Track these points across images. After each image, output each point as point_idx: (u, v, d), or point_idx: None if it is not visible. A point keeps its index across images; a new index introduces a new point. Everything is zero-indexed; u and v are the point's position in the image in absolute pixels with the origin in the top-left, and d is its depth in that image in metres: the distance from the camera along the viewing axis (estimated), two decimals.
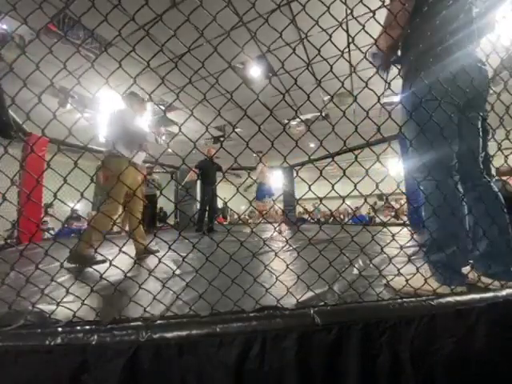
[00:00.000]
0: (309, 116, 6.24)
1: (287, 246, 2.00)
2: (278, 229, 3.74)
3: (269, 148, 0.80)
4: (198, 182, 4.30)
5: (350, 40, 1.07)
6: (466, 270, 1.04)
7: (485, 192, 0.97)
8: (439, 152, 0.92)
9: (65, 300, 0.74)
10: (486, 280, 0.96)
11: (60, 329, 0.63)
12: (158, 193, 4.56)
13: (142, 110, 2.16)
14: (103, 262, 1.65)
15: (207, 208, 3.97)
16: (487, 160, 1.08)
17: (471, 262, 1.06)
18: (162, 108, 5.25)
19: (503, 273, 0.94)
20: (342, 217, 10.46)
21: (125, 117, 1.89)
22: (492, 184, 0.98)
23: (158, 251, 2.06)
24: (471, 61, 0.92)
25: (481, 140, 0.99)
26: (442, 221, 0.92)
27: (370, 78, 0.86)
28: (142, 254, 1.97)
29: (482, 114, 0.99)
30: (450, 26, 0.89)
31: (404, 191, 3.32)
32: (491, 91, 1.01)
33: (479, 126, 0.97)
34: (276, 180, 4.77)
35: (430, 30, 0.90)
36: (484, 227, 0.96)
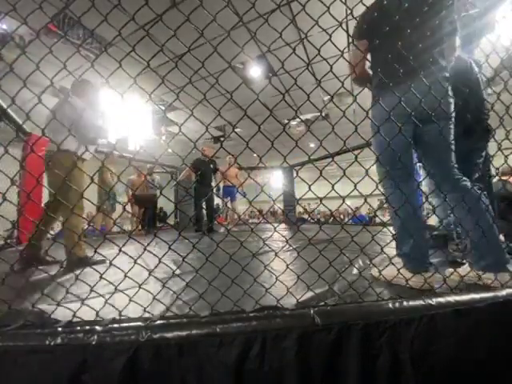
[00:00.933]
0: (309, 116, 6.24)
1: (287, 246, 2.00)
2: (223, 229, 4.03)
3: (269, 148, 0.80)
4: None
5: (350, 40, 1.08)
6: (464, 269, 1.06)
7: (465, 195, 1.03)
8: (394, 164, 1.03)
9: (65, 300, 0.74)
10: (486, 276, 1.00)
11: (60, 329, 0.63)
12: (157, 193, 4.56)
13: (94, 99, 1.94)
14: (103, 261, 1.65)
15: (205, 208, 3.95)
16: (487, 160, 1.09)
17: (468, 260, 1.12)
18: (162, 108, 5.25)
19: (491, 265, 1.00)
20: (341, 217, 10.47)
21: (73, 108, 1.68)
22: (472, 188, 1.04)
23: (103, 261, 1.66)
24: (430, 80, 0.97)
25: (447, 147, 1.06)
26: (399, 220, 1.06)
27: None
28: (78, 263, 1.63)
29: (449, 122, 1.07)
30: (400, 54, 0.97)
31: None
32: (489, 92, 1.04)
33: (447, 134, 1.05)
34: (246, 184, 4.82)
35: (383, 60, 1.05)
36: (468, 227, 1.05)
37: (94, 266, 0.81)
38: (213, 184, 3.86)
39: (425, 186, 1.87)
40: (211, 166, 3.84)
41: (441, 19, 1.00)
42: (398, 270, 0.98)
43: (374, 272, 1.15)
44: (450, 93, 1.06)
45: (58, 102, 1.77)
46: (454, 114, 1.06)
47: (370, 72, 1.17)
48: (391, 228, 1.23)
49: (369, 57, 1.12)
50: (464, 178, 1.07)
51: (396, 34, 1.00)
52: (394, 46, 0.98)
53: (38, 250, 1.66)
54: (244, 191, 4.03)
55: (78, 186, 1.60)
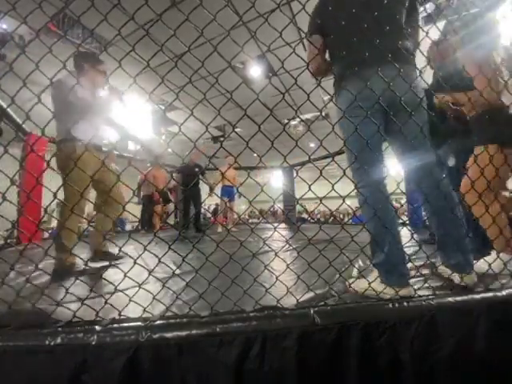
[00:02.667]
0: (309, 116, 6.24)
1: (287, 246, 2.00)
2: (221, 228, 4.15)
3: (269, 148, 0.80)
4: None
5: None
6: (447, 271, 1.04)
7: (432, 192, 1.00)
8: (363, 160, 0.96)
9: (65, 300, 0.74)
10: (453, 276, 0.99)
11: (60, 329, 0.63)
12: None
13: (100, 78, 1.61)
14: (120, 257, 1.59)
15: (191, 209, 3.95)
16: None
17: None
18: (162, 108, 5.24)
19: (460, 263, 0.98)
20: (341, 216, 10.47)
21: (68, 87, 1.30)
22: (440, 184, 0.99)
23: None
24: (389, 71, 0.93)
25: (421, 140, 1.00)
26: (371, 226, 0.97)
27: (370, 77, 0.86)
28: (100, 256, 1.65)
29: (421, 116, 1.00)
30: (362, 42, 0.96)
31: (404, 191, 3.31)
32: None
33: (415, 127, 0.96)
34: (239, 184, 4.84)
35: (342, 52, 1.03)
36: (435, 224, 1.04)
37: (94, 266, 0.81)
38: (200, 187, 3.89)
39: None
40: (196, 169, 3.85)
41: (399, 9, 0.98)
42: (369, 283, 0.91)
43: (349, 284, 1.03)
44: (420, 83, 1.02)
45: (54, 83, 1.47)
46: (422, 103, 0.98)
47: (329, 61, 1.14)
48: None
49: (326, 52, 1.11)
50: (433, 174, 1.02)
51: (353, 24, 0.99)
52: (351, 36, 0.98)
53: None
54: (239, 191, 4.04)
55: (77, 181, 1.37)
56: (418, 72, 0.97)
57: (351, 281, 1.03)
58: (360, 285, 0.98)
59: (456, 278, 0.98)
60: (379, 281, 0.95)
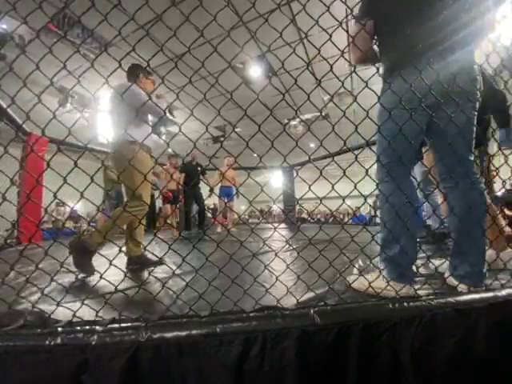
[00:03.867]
0: (309, 116, 6.24)
1: (287, 246, 2.00)
2: (220, 228, 4.21)
3: (269, 148, 0.80)
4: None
5: (350, 39, 1.06)
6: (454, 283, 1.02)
7: (466, 192, 0.96)
8: (400, 156, 0.94)
9: (65, 300, 0.74)
10: (461, 287, 0.94)
11: (60, 329, 0.63)
12: (156, 193, 4.54)
13: (150, 86, 1.79)
14: (160, 263, 1.55)
15: (196, 210, 3.95)
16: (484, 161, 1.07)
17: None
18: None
19: (470, 275, 0.94)
20: (341, 216, 10.47)
21: (131, 92, 1.39)
22: (476, 184, 0.97)
23: (160, 262, 1.56)
24: (450, 61, 0.91)
25: (463, 138, 0.97)
26: (388, 221, 0.95)
27: (370, 77, 0.86)
28: (136, 260, 1.62)
29: (467, 111, 0.96)
30: (423, 31, 0.91)
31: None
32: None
33: (461, 123, 0.94)
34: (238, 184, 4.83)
35: (402, 37, 0.94)
36: (458, 229, 0.98)
37: (96, 267, 0.81)
38: (200, 185, 3.88)
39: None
40: (198, 168, 3.87)
41: None
42: (388, 281, 0.90)
43: (358, 285, 1.01)
44: (478, 77, 0.95)
45: (113, 93, 1.59)
46: (478, 99, 0.95)
47: (376, 50, 1.06)
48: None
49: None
50: (470, 174, 0.99)
51: (411, 11, 0.92)
52: (409, 24, 0.90)
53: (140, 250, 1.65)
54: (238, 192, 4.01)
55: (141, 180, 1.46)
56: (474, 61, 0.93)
57: (352, 279, 1.03)
58: (362, 283, 0.97)
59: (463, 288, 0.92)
60: (381, 279, 0.94)
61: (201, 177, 3.84)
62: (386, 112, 0.91)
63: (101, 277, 0.72)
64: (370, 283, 0.91)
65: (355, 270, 1.29)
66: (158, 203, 5.03)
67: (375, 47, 1.06)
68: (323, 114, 6.14)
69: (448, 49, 0.90)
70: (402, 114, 0.90)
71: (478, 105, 0.97)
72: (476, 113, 0.97)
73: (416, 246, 0.97)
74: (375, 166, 0.99)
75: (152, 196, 4.54)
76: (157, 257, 1.36)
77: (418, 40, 0.91)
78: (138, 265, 1.58)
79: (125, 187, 1.58)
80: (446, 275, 1.04)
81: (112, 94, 1.63)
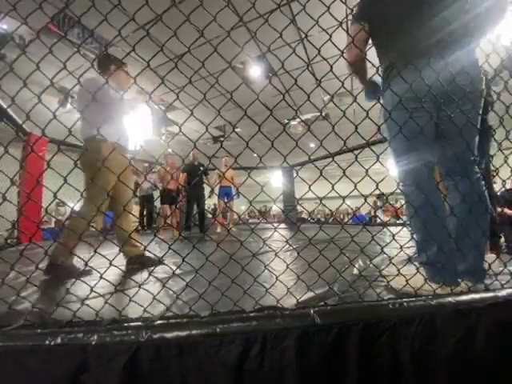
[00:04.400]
0: (309, 116, 6.24)
1: (287, 246, 2.00)
2: (220, 229, 4.18)
3: (269, 148, 0.80)
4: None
5: (350, 40, 1.06)
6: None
7: (467, 191, 0.96)
8: (416, 153, 0.95)
9: (65, 300, 0.74)
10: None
11: (60, 329, 0.63)
12: (154, 193, 4.54)
13: (125, 79, 1.61)
14: (160, 262, 1.48)
15: (195, 210, 3.95)
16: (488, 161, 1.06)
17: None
18: (162, 108, 5.25)
19: (470, 272, 0.94)
20: (341, 216, 10.47)
21: (99, 86, 1.32)
22: (477, 183, 0.97)
23: (159, 261, 1.50)
24: (456, 58, 0.91)
25: (471, 136, 0.97)
26: (421, 222, 0.94)
27: (370, 77, 0.86)
28: (136, 260, 1.56)
29: (476, 110, 0.97)
30: (426, 28, 0.91)
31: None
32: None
33: (470, 122, 0.94)
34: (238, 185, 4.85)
35: (404, 35, 0.94)
36: (458, 225, 0.97)
37: (95, 267, 0.81)
38: (204, 186, 3.88)
39: None
40: (200, 168, 3.87)
41: None
42: (426, 279, 0.90)
43: (395, 284, 0.99)
44: (481, 75, 0.95)
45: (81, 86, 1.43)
46: (482, 95, 0.95)
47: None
48: (391, 228, 1.21)
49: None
50: (475, 171, 0.99)
51: (408, 10, 0.92)
52: (408, 21, 0.90)
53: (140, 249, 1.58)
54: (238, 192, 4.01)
55: (106, 181, 1.37)
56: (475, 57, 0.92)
57: (389, 278, 1.00)
58: (399, 282, 0.95)
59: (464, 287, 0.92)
60: (429, 278, 0.93)
61: (203, 177, 3.84)
62: (396, 110, 0.90)
63: (101, 277, 0.72)
64: (407, 281, 0.90)
65: (355, 270, 1.29)
66: (158, 203, 5.04)
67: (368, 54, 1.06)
68: (323, 114, 6.14)
69: (452, 45, 0.90)
70: (408, 111, 0.89)
71: (481, 104, 0.97)
72: (479, 112, 0.97)
73: (452, 244, 0.96)
74: (376, 166, 0.99)
75: (151, 196, 4.55)
76: (157, 257, 1.32)
77: (422, 37, 0.90)
78: (137, 264, 1.54)
79: (87, 189, 1.40)
80: None
81: (80, 89, 1.48)
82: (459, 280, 0.93)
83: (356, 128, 0.81)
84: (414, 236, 1.00)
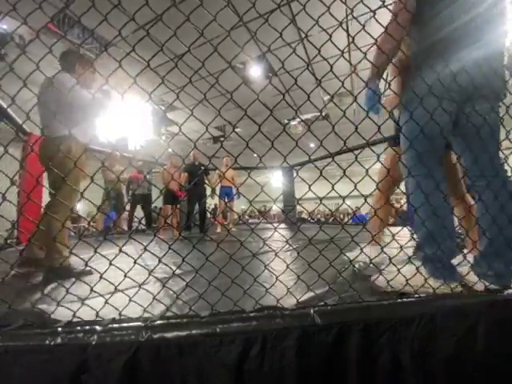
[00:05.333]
0: (309, 116, 6.24)
1: (287, 246, 2.00)
2: (220, 229, 4.16)
3: (269, 148, 0.80)
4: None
5: (350, 40, 1.06)
6: (463, 270, 1.02)
7: (498, 190, 0.94)
8: (431, 149, 0.95)
9: (65, 300, 0.74)
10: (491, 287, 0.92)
11: (60, 329, 0.63)
12: (152, 193, 4.54)
13: (89, 76, 1.54)
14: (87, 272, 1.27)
15: (196, 210, 3.95)
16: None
17: (470, 263, 1.02)
18: (162, 108, 5.25)
19: (500, 276, 0.92)
20: (341, 216, 10.48)
21: (61, 84, 1.29)
22: (507, 183, 0.95)
23: (88, 272, 1.28)
24: (477, 56, 0.90)
25: (492, 134, 0.96)
26: (425, 218, 0.95)
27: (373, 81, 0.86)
28: (55, 269, 1.31)
29: (494, 107, 0.95)
30: (452, 23, 0.90)
31: (404, 191, 3.31)
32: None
33: (489, 120, 0.93)
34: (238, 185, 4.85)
35: (432, 29, 0.93)
36: (490, 226, 0.94)
37: (95, 267, 0.81)
38: (205, 185, 3.88)
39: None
40: (201, 168, 3.87)
41: None
42: (426, 279, 0.90)
43: (380, 282, 1.00)
44: (504, 72, 0.95)
45: (43, 83, 1.38)
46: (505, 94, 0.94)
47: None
48: (391, 228, 1.21)
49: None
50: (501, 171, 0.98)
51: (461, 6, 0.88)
52: (448, 13, 0.88)
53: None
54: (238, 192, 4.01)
55: (75, 180, 1.34)
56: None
57: (388, 277, 0.97)
58: (399, 281, 0.94)
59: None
60: (427, 276, 0.92)
61: (204, 177, 3.84)
62: (416, 99, 0.89)
63: (101, 277, 0.72)
64: (407, 280, 0.90)
65: (357, 265, 1.29)
66: (158, 203, 5.03)
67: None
68: (323, 114, 6.15)
69: (484, 40, 0.89)
70: (432, 102, 0.89)
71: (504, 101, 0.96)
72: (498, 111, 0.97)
73: (455, 243, 0.97)
74: (376, 166, 0.98)
75: (148, 196, 4.54)
76: (157, 257, 1.27)
77: (468, 33, 0.88)
78: (57, 276, 1.27)
79: (51, 186, 1.30)
80: (465, 272, 1.00)
81: (42, 86, 1.39)
82: (450, 280, 0.92)
83: (356, 128, 0.81)
84: (415, 236, 1.01)
